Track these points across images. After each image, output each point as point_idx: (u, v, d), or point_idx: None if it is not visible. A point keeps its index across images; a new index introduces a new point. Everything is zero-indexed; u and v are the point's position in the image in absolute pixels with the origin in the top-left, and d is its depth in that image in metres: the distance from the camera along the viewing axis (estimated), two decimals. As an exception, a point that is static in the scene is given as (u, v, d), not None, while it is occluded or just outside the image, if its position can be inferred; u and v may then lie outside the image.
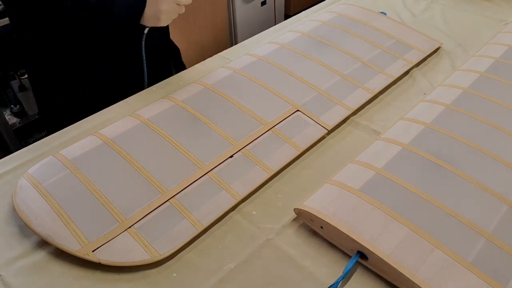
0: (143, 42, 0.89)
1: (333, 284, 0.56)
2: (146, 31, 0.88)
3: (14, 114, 1.59)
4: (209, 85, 0.85)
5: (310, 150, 0.77)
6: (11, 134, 1.56)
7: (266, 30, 1.13)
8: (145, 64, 0.93)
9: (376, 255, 0.55)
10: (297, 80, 0.87)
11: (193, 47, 2.06)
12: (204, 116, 0.78)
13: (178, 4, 0.81)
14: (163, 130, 0.75)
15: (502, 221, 0.60)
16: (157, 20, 0.81)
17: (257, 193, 0.69)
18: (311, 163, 0.74)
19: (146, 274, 0.58)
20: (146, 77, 0.95)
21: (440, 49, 1.03)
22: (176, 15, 0.83)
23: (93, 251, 0.58)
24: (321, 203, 0.62)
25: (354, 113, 0.84)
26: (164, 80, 0.93)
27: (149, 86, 0.93)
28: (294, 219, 0.65)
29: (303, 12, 1.21)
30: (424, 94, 0.89)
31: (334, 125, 0.80)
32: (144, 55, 0.91)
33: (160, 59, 1.03)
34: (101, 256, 0.57)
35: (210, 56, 1.02)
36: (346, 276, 0.57)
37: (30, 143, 0.79)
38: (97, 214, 0.62)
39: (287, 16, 2.54)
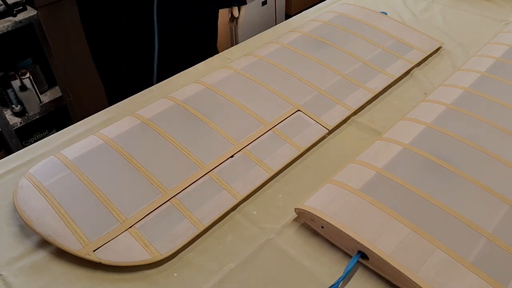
0: None
1: (334, 284, 0.56)
2: None
3: (15, 114, 1.59)
4: (209, 85, 0.85)
5: (311, 150, 0.77)
6: (12, 134, 1.56)
7: (267, 30, 1.13)
8: None
9: (376, 255, 0.55)
10: (297, 80, 0.87)
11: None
12: (204, 116, 0.78)
13: None
14: (164, 130, 0.75)
15: (502, 221, 0.60)
16: None
17: (257, 193, 0.69)
18: (312, 163, 0.74)
19: (146, 274, 0.58)
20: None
21: (440, 49, 1.03)
22: None
23: (94, 251, 0.58)
24: (321, 203, 0.62)
25: (355, 113, 0.84)
26: (164, 80, 0.94)
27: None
28: (295, 219, 0.65)
29: (303, 12, 1.21)
30: (425, 94, 0.89)
31: (335, 125, 0.80)
32: None
33: None
34: (102, 256, 0.57)
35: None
36: (346, 276, 0.57)
37: (31, 143, 0.79)
38: (98, 214, 0.62)
39: (287, 16, 2.54)
